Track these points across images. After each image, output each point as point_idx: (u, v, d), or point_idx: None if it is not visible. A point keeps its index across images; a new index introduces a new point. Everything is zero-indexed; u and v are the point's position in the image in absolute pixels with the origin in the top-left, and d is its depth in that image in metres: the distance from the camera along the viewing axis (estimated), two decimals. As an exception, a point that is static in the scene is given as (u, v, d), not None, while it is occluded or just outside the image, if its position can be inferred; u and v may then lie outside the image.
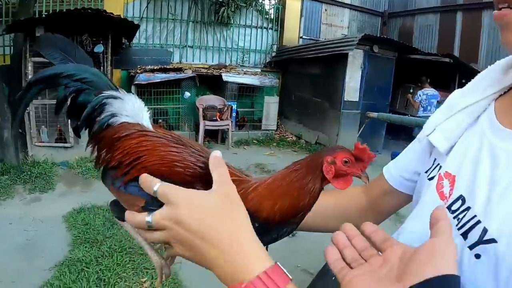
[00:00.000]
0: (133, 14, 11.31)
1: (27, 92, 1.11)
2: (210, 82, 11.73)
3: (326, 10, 15.13)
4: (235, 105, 11.44)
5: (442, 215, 0.71)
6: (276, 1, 14.29)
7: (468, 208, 0.83)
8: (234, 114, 11.33)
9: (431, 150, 1.11)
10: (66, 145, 8.19)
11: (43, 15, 8.27)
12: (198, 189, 0.89)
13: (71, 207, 6.17)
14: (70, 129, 7.91)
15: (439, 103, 11.31)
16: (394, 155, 9.31)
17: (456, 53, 12.27)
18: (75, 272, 4.48)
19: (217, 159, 0.87)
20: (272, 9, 14.11)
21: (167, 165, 0.97)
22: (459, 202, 0.87)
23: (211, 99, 11.07)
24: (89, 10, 7.19)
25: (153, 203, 0.89)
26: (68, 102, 1.15)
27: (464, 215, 0.83)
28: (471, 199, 0.84)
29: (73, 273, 4.46)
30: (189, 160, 0.98)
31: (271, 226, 0.97)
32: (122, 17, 8.32)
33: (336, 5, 15.34)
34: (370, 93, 11.11)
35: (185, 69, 10.90)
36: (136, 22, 8.78)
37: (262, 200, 0.96)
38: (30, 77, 7.69)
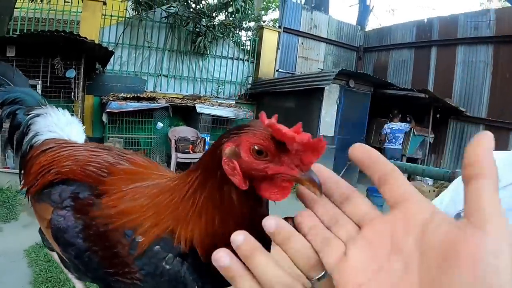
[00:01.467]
0: (109, 39, 11.12)
1: None
2: (183, 113, 11.55)
3: (302, 43, 15.19)
4: (208, 138, 11.22)
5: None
6: (253, 33, 14.31)
7: None
8: (207, 147, 11.10)
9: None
10: (31, 172, 7.81)
11: (15, 35, 8.01)
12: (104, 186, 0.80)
13: (33, 241, 5.81)
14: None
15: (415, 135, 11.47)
16: (370, 191, 9.23)
17: (430, 87, 12.39)
18: (36, 313, 4.16)
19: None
20: (249, 41, 14.08)
21: (80, 165, 0.89)
22: None
23: (184, 131, 10.87)
24: (62, 33, 6.96)
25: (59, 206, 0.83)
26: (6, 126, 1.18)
27: None
28: None
29: (33, 314, 4.13)
30: (107, 161, 0.89)
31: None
32: (97, 41, 8.11)
33: (313, 38, 15.43)
34: (346, 128, 11.13)
35: (159, 98, 10.72)
36: (111, 48, 8.61)
37: (143, 221, 0.72)
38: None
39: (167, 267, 0.69)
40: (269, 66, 14.06)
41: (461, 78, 12.16)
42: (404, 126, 11.21)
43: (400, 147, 11.27)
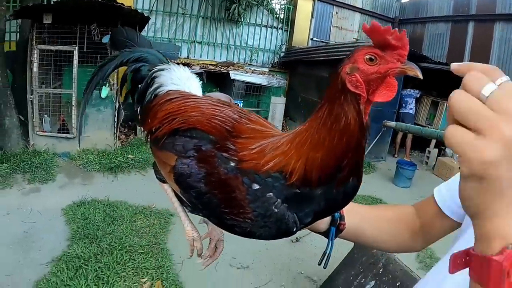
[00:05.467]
0: (143, 6, 11.18)
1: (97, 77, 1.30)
2: (217, 79, 11.62)
3: (337, 13, 15.03)
4: (242, 104, 11.27)
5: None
6: (287, 1, 14.16)
7: None
8: (240, 113, 11.16)
9: None
10: (68, 135, 8.01)
11: (52, 2, 8.10)
12: (234, 142, 0.92)
13: (71, 200, 6.04)
14: (74, 120, 7.79)
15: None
16: (400, 163, 9.25)
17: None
18: (73, 269, 4.35)
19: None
20: (283, 9, 13.95)
21: (206, 117, 0.98)
22: None
23: (218, 96, 10.65)
24: (99, 0, 7.02)
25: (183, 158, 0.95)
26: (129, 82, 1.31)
27: None
28: None
29: (70, 270, 4.33)
30: (230, 116, 0.99)
31: (312, 190, 0.84)
32: (131, 8, 8.16)
33: (347, 8, 15.23)
34: (378, 99, 10.92)
35: (193, 64, 10.78)
36: (146, 15, 8.63)
37: (288, 159, 0.84)
38: (35, 64, 7.57)
39: (276, 210, 0.84)
40: (302, 34, 13.91)
41: (498, 55, 11.84)
42: (413, 91, 11.27)
43: (411, 111, 11.25)
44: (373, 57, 0.75)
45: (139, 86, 1.26)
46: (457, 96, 0.60)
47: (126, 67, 1.29)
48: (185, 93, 1.18)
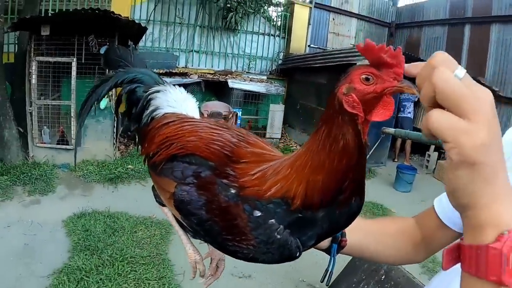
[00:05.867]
0: (140, 16, 11.20)
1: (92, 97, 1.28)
2: (215, 88, 11.65)
3: (333, 19, 15.08)
4: (240, 112, 11.30)
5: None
6: (284, 8, 14.22)
7: None
8: (239, 122, 11.19)
9: None
10: (67, 147, 8.02)
11: (49, 14, 8.13)
12: (234, 168, 0.92)
13: (72, 212, 6.03)
14: (73, 131, 7.80)
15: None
16: (400, 168, 9.27)
17: (463, 66, 12.04)
18: (75, 281, 4.35)
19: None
20: (280, 16, 14.01)
21: (205, 142, 0.98)
22: None
23: (216, 105, 10.95)
24: (96, 11, 7.05)
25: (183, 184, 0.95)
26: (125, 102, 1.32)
27: None
28: None
29: (72, 282, 4.32)
30: (229, 140, 0.99)
31: (314, 213, 0.84)
32: (129, 18, 8.19)
33: (344, 14, 15.29)
34: (377, 104, 10.96)
35: (191, 74, 10.82)
36: (143, 25, 8.66)
37: (290, 184, 0.84)
38: (33, 76, 7.59)
39: (278, 236, 0.84)
40: (300, 41, 13.98)
41: (495, 57, 11.84)
42: (411, 95, 11.00)
43: (409, 115, 11.32)
44: (369, 77, 0.74)
45: (135, 107, 1.26)
46: (442, 75, 0.57)
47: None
48: (182, 115, 1.18)
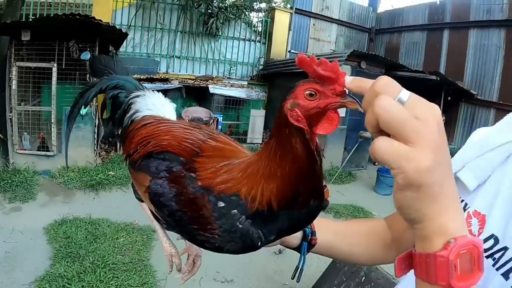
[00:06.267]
0: (121, 22, 11.19)
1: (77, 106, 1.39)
2: (196, 93, 11.64)
3: (314, 24, 15.18)
4: (221, 117, 11.32)
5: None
6: (265, 14, 14.30)
7: (505, 248, 0.83)
8: (219, 127, 11.20)
9: None
10: (48, 153, 7.97)
11: (30, 19, 8.09)
12: (196, 161, 0.99)
13: (53, 219, 6.00)
14: (53, 137, 7.75)
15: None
16: (381, 171, 9.37)
17: (442, 70, 12.36)
18: (57, 289, 4.32)
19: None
20: (261, 22, 14.09)
21: (178, 141, 1.06)
22: (491, 241, 0.87)
23: (198, 111, 10.94)
24: (77, 16, 7.03)
25: (157, 178, 1.02)
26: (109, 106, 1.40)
27: (502, 255, 0.83)
28: (507, 239, 0.84)
29: (54, 290, 4.30)
30: (199, 138, 1.06)
31: (274, 212, 0.89)
32: (110, 24, 8.18)
33: (324, 20, 15.41)
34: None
35: (172, 79, 10.80)
36: (124, 30, 8.64)
37: (240, 187, 0.91)
38: (14, 82, 7.53)
39: (240, 226, 0.90)
40: (280, 47, 14.08)
41: (473, 62, 12.08)
42: None
43: None
44: (312, 92, 0.78)
45: (117, 111, 1.35)
46: (383, 103, 0.59)
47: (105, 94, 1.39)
48: (159, 118, 1.26)
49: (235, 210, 0.90)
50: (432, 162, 0.58)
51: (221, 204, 0.91)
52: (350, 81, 0.71)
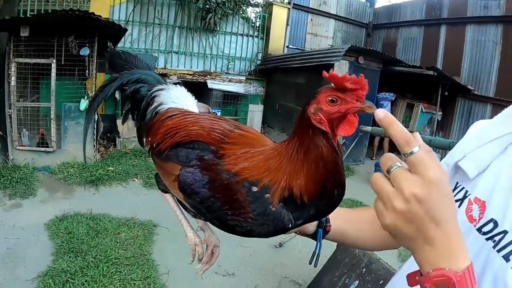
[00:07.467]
0: (119, 17, 11.13)
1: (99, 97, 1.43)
2: (195, 88, 11.58)
3: (311, 20, 15.18)
4: (219, 112, 11.32)
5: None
6: (263, 9, 14.29)
7: (505, 232, 0.90)
8: (218, 122, 11.19)
9: (453, 174, 1.18)
10: (48, 149, 7.97)
11: (29, 15, 8.07)
12: (223, 148, 1.05)
13: (53, 215, 6.01)
14: (53, 133, 7.75)
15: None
16: (378, 166, 9.37)
17: (439, 65, 12.37)
18: (60, 284, 4.35)
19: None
20: (258, 17, 14.09)
21: (206, 130, 1.11)
22: (491, 224, 0.95)
23: (196, 106, 10.91)
24: (76, 12, 7.02)
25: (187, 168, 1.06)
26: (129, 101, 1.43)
27: (502, 238, 0.90)
28: (506, 223, 0.91)
29: (57, 285, 4.32)
30: (226, 128, 1.12)
31: (304, 203, 0.96)
32: (108, 19, 8.16)
33: (322, 15, 15.40)
34: (355, 104, 11.06)
35: (170, 75, 10.80)
36: (122, 25, 8.63)
37: (263, 177, 0.97)
38: (13, 78, 7.52)
39: (273, 209, 0.95)
40: (278, 42, 14.07)
41: (470, 57, 12.07)
42: (388, 94, 11.69)
43: None
44: (334, 99, 0.88)
45: (140, 105, 1.37)
46: (373, 177, 0.78)
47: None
48: (184, 110, 1.30)
49: (268, 194, 0.95)
50: (393, 222, 0.75)
51: (255, 188, 0.96)
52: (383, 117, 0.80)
